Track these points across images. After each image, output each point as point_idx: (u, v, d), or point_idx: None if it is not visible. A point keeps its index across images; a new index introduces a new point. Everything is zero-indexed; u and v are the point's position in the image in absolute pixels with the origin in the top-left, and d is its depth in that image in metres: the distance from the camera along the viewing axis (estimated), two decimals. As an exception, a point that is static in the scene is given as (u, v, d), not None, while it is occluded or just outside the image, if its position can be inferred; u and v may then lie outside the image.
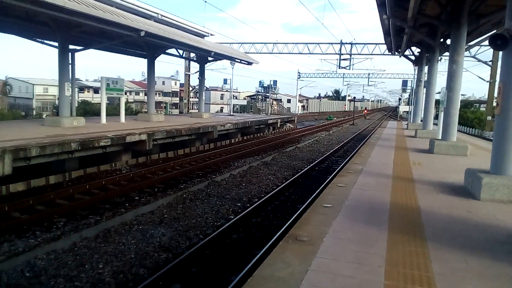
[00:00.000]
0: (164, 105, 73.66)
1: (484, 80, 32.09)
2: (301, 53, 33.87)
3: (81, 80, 69.08)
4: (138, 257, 5.95)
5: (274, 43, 33.89)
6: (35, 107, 59.97)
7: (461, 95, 12.37)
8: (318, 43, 33.12)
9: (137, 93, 77.61)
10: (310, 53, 33.50)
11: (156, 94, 29.41)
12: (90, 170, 11.16)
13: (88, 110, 36.94)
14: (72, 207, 8.07)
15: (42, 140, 10.20)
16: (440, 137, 12.04)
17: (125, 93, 21.88)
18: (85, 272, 5.37)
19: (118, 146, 12.40)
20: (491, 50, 24.33)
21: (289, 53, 34.04)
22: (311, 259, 3.71)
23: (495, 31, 12.82)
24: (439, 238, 4.41)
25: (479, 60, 29.15)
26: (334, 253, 3.88)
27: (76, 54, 15.53)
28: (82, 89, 64.01)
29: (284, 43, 33.87)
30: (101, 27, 12.68)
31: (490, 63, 30.29)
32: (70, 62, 14.81)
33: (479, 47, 26.34)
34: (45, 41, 15.99)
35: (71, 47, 14.87)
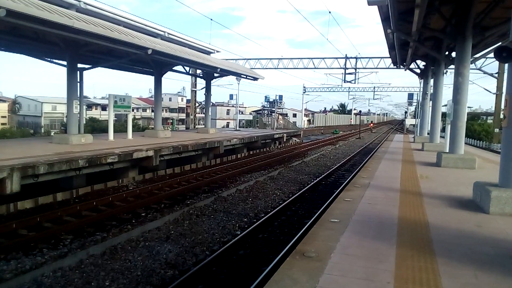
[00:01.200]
0: (171, 121, 74.27)
1: (491, 92, 31.95)
2: (306, 68, 34.00)
3: (89, 98, 70.23)
4: (145, 274, 5.92)
5: (279, 59, 34.14)
6: (44, 125, 60.88)
7: (468, 107, 12.31)
8: (323, 58, 33.19)
9: (144, 110, 78.43)
10: (315, 68, 33.60)
11: (163, 110, 29.72)
12: (97, 186, 11.22)
13: (96, 127, 37.27)
14: (79, 224, 8.09)
15: (50, 157, 10.30)
16: (447, 150, 11.94)
17: (132, 110, 22.10)
18: (92, 290, 5.35)
19: (125, 163, 12.47)
20: (497, 62, 24.31)
21: (294, 68, 34.21)
22: (319, 276, 3.66)
23: (500, 43, 12.85)
24: (449, 253, 4.34)
25: (485, 73, 29.10)
26: (342, 270, 3.83)
27: (84, 72, 15.78)
28: (90, 106, 64.92)
29: (289, 58, 34.06)
30: (109, 45, 12.92)
31: (496, 75, 30.21)
32: (78, 80, 15.02)
33: (484, 59, 26.34)
34: (54, 60, 16.29)
35: (79, 65, 15.13)
